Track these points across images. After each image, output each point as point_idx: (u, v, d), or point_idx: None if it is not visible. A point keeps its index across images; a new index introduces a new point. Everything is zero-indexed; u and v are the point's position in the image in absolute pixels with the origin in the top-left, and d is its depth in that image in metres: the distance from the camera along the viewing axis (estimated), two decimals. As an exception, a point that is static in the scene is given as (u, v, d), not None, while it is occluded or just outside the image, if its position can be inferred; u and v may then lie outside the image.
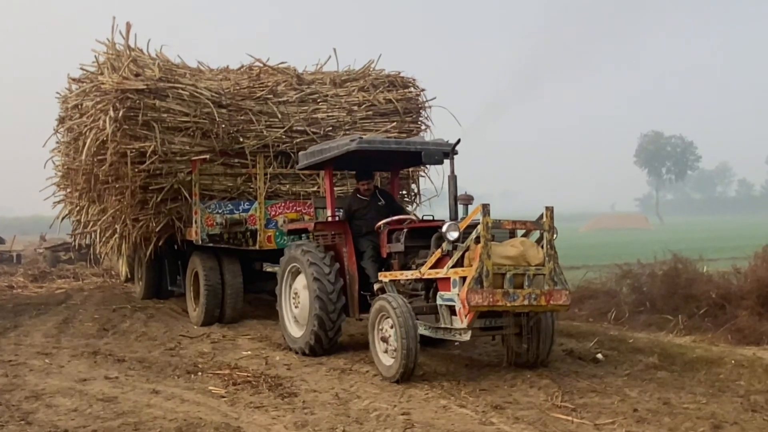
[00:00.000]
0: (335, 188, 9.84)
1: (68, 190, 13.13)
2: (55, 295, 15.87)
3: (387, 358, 7.08)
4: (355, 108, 11.62)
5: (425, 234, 7.77)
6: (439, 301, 7.03)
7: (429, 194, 12.75)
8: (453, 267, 6.79)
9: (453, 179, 7.87)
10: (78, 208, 12.65)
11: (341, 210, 9.13)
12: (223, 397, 6.74)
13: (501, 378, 7.13)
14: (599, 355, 8.28)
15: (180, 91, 10.27)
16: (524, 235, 7.36)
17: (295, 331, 8.78)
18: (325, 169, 9.13)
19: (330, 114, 11.35)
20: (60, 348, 9.37)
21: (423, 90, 12.54)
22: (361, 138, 8.12)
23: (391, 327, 6.88)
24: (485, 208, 6.63)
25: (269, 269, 10.73)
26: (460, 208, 7.69)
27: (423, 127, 12.40)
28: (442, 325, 7.07)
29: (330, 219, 8.91)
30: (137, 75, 10.11)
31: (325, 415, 5.98)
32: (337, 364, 8.05)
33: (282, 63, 12.25)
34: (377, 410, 6.11)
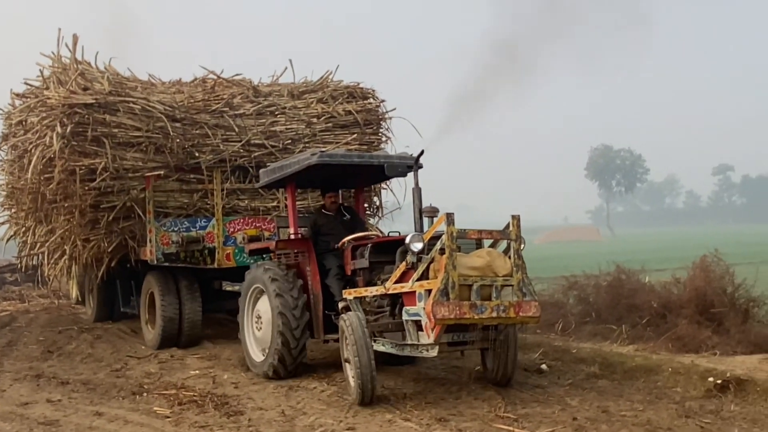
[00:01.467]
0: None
1: (13, 210, 12.37)
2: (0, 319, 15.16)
3: (351, 380, 6.74)
4: (315, 120, 11.22)
5: (390, 249, 7.39)
6: (404, 317, 6.71)
7: (391, 207, 12.38)
8: (418, 280, 6.45)
9: (417, 191, 7.54)
10: (24, 228, 11.92)
11: (304, 228, 8.77)
12: (168, 417, 6.61)
13: (447, 391, 7.20)
14: (543, 366, 8.44)
15: (131, 104, 9.75)
16: (491, 246, 7.03)
17: (258, 355, 8.37)
18: (286, 185, 8.71)
19: (289, 127, 10.93)
20: (2, 371, 9.10)
21: (383, 101, 12.20)
22: (323, 152, 7.79)
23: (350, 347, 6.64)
24: (449, 218, 6.32)
25: (228, 288, 10.29)
26: (426, 220, 7.38)
27: (384, 138, 12.04)
28: (409, 342, 6.74)
29: (293, 236, 8.51)
30: (85, 89, 9.56)
31: None
32: (285, 382, 7.91)
33: (237, 75, 11.81)
34: (322, 426, 6.13)
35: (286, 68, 12.29)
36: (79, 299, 15.31)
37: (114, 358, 9.88)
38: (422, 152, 7.62)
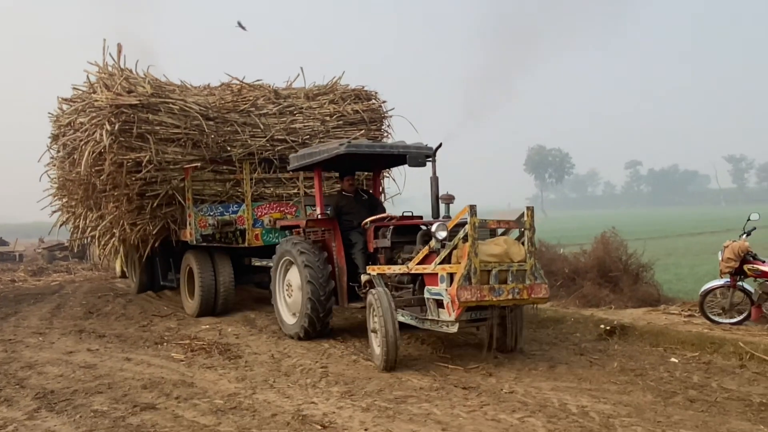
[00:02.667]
0: (312, 189, 9.40)
1: (65, 199, 12.11)
2: (50, 286, 15.77)
3: (377, 349, 6.58)
4: (327, 118, 11.00)
5: (408, 231, 7.36)
6: (426, 295, 6.54)
7: (392, 193, 12.21)
8: (441, 263, 6.30)
9: (435, 180, 7.44)
10: (75, 215, 11.70)
11: (329, 207, 8.62)
12: (182, 361, 7.25)
13: (403, 338, 7.27)
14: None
15: (171, 105, 9.50)
16: (503, 233, 6.89)
17: (290, 318, 8.29)
18: (314, 170, 8.50)
19: (306, 124, 10.71)
20: (52, 328, 9.65)
21: (384, 102, 11.98)
22: (350, 142, 7.62)
23: (377, 317, 6.46)
24: (472, 209, 6.15)
25: (257, 263, 10.17)
26: (442, 206, 7.29)
27: (385, 134, 11.84)
28: (429, 317, 6.56)
29: (320, 216, 8.36)
30: (130, 92, 9.30)
31: (261, 371, 6.71)
32: (276, 330, 8.70)
33: (257, 80, 11.52)
34: (302, 365, 6.84)
35: (298, 75, 12.04)
36: (123, 274, 15.15)
37: (141, 317, 10.34)
38: (440, 145, 7.52)
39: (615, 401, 5.32)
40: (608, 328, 7.77)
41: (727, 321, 7.72)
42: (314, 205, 8.86)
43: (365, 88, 11.92)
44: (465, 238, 6.16)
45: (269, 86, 11.36)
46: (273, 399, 5.67)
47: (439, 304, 6.36)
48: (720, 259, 7.74)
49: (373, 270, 7.22)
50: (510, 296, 6.16)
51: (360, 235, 7.94)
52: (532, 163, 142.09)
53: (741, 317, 7.69)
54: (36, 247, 29.35)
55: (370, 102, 11.79)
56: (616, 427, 4.67)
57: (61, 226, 12.63)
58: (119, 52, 9.63)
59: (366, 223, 7.79)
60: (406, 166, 8.45)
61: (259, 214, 10.06)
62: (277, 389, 5.99)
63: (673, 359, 6.73)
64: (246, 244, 9.86)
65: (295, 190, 10.65)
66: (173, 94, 9.79)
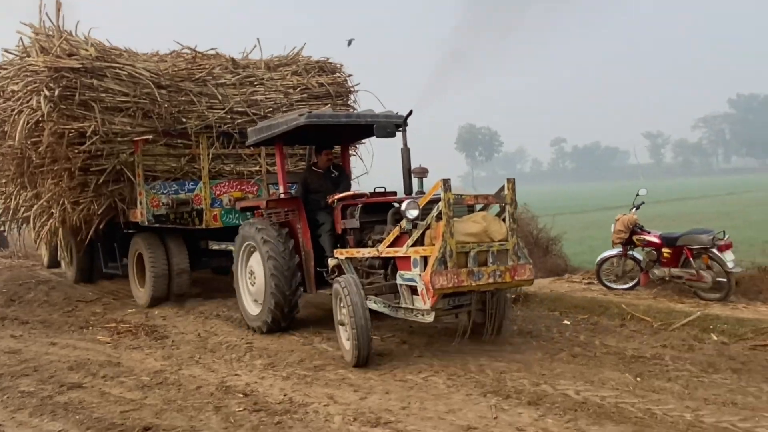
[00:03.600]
0: (272, 165, 8.67)
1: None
2: None
3: (346, 343, 5.90)
4: (291, 91, 10.19)
5: (379, 209, 6.56)
6: (398, 281, 5.83)
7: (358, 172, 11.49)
8: (413, 246, 5.61)
9: (406, 152, 6.67)
10: (6, 194, 10.52)
11: (294, 185, 7.85)
12: (108, 343, 7.35)
13: (324, 315, 7.40)
14: None
15: (118, 71, 8.57)
16: (482, 209, 6.19)
17: (253, 308, 7.50)
18: (275, 145, 7.68)
19: (268, 96, 9.88)
20: None
21: (350, 75, 11.24)
22: (310, 112, 6.79)
23: (344, 308, 5.76)
24: (446, 184, 5.42)
25: (215, 247, 9.33)
26: (415, 181, 6.59)
27: (351, 110, 11.10)
28: (403, 305, 5.88)
29: (282, 195, 7.54)
30: (71, 55, 8.32)
31: (187, 349, 6.89)
32: (203, 311, 8.78)
33: (211, 49, 10.60)
34: (228, 342, 7.07)
35: (255, 45, 11.12)
36: (52, 264, 13.88)
37: (65, 303, 10.04)
38: (410, 112, 6.73)
39: (509, 359, 5.90)
40: (513, 296, 7.95)
41: (621, 287, 8.71)
42: (277, 183, 8.02)
43: (330, 60, 11.18)
44: (439, 217, 5.47)
45: (226, 56, 10.46)
46: (198, 374, 5.93)
47: (414, 290, 5.68)
48: (612, 231, 8.73)
49: (340, 254, 6.54)
50: (491, 280, 5.52)
51: (328, 215, 7.17)
52: (462, 141, 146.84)
53: (632, 283, 8.68)
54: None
55: (335, 75, 11.03)
56: (506, 381, 5.26)
57: None
58: (58, 11, 8.58)
59: (333, 201, 7.02)
60: (374, 138, 7.78)
61: (218, 192, 9.23)
62: (203, 365, 6.25)
63: (566, 321, 7.38)
64: (203, 226, 9.03)
65: (257, 167, 9.81)
66: (120, 59, 8.83)
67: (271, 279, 6.80)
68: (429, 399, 4.89)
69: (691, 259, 7.87)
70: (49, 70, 8.01)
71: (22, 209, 10.02)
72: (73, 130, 8.08)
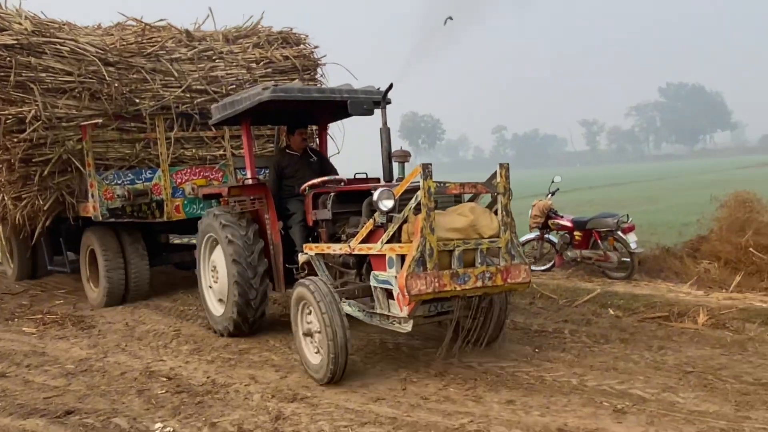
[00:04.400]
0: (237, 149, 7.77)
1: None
2: None
3: (314, 356, 5.04)
4: (254, 65, 9.33)
5: (357, 198, 5.60)
6: (373, 282, 4.94)
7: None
8: (389, 242, 4.73)
9: (386, 132, 5.82)
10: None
11: (264, 170, 7.01)
12: (34, 334, 7.32)
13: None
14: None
15: (59, 47, 7.61)
16: (471, 200, 5.31)
17: (217, 308, 6.68)
18: (241, 124, 6.70)
19: (229, 72, 9.01)
20: None
21: (316, 47, 10.37)
22: (276, 85, 5.80)
23: (312, 316, 4.95)
24: (426, 169, 4.51)
25: (176, 241, 8.42)
26: (396, 165, 5.86)
27: (320, 84, 10.29)
28: (378, 310, 5.02)
29: (249, 181, 6.62)
30: (2, 30, 7.32)
31: (114, 338, 6.92)
32: (133, 303, 8.49)
33: (160, 20, 9.60)
34: (155, 330, 7.11)
35: (208, 16, 10.16)
36: None
37: None
38: (390, 86, 5.87)
39: (424, 338, 6.12)
40: None
41: (539, 268, 9.09)
42: (244, 168, 7.10)
43: (293, 30, 10.32)
44: (418, 209, 4.61)
45: (178, 27, 9.51)
46: (123, 360, 6.03)
47: (390, 294, 4.81)
48: (529, 216, 9.17)
49: (310, 249, 5.71)
50: (479, 283, 4.65)
51: (300, 203, 6.29)
52: (405, 129, 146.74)
53: (549, 264, 9.26)
54: None
55: (301, 47, 10.15)
56: (419, 356, 5.59)
57: None
58: (-16, -23, 7.55)
59: (304, 189, 6.16)
60: (352, 117, 6.83)
61: (179, 180, 8.35)
62: (129, 352, 6.32)
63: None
64: (165, 218, 8.12)
65: (221, 151, 8.94)
66: (60, 33, 7.84)
67: (233, 265, 6.00)
68: (346, 375, 4.97)
69: (598, 241, 8.45)
70: (-22, 47, 7.03)
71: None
72: (10, 116, 7.14)
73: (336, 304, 4.72)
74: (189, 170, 8.49)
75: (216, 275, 6.59)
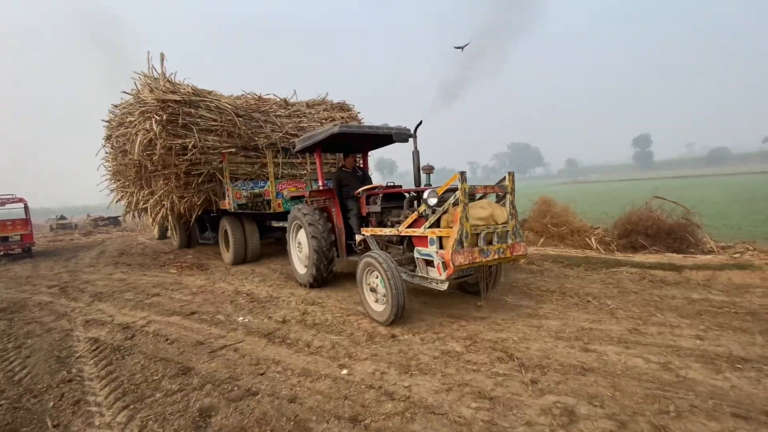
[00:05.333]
0: (314, 170, 7.01)
1: (119, 182, 9.00)
2: (96, 241, 13.92)
3: (378, 306, 4.38)
4: (323, 121, 8.64)
5: (394, 198, 5.21)
6: (416, 255, 4.34)
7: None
8: (430, 227, 4.16)
9: (416, 154, 5.13)
10: (129, 193, 8.67)
11: (330, 181, 6.31)
12: (176, 273, 7.12)
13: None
14: None
15: (208, 103, 6.89)
16: (481, 197, 4.60)
17: (301, 269, 5.94)
18: (314, 151, 6.01)
19: (309, 125, 8.30)
20: (98, 263, 8.85)
21: (359, 112, 9.72)
22: (343, 124, 5.19)
23: (376, 277, 4.27)
24: (463, 176, 3.97)
25: (276, 224, 7.71)
26: (423, 176, 5.08)
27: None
28: (419, 274, 4.36)
29: (321, 188, 6.00)
30: (173, 92, 6.60)
31: (219, 275, 6.67)
32: (250, 263, 7.71)
33: (268, 94, 8.92)
34: (242, 272, 6.77)
35: (294, 93, 9.51)
36: (162, 236, 12.04)
37: (153, 254, 9.48)
38: (420, 123, 5.22)
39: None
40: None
41: None
42: (317, 180, 6.42)
43: (346, 102, 9.67)
44: (455, 203, 4.08)
45: (278, 98, 8.83)
46: (223, 286, 5.93)
47: (428, 263, 4.24)
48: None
49: (366, 231, 5.07)
50: (496, 256, 4.08)
51: (355, 202, 5.67)
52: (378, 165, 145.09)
53: None
54: (85, 220, 25.11)
55: (350, 111, 9.51)
56: (309, 313, 4.72)
57: (117, 202, 9.50)
58: (162, 60, 6.84)
59: (359, 192, 5.55)
60: (384, 148, 6.22)
61: (279, 188, 7.66)
62: (227, 282, 6.20)
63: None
64: (272, 210, 7.45)
65: (305, 172, 8.24)
66: (209, 96, 7.13)
67: (313, 254, 5.38)
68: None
69: None
70: (159, 101, 6.34)
71: (141, 202, 8.22)
72: (177, 145, 6.43)
73: (398, 272, 4.05)
74: (286, 182, 7.77)
75: (301, 248, 5.89)
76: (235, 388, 2.91)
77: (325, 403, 2.66)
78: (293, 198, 6.70)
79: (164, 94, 6.36)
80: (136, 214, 8.86)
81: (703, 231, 6.81)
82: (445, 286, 4.10)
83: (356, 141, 6.14)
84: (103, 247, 11.65)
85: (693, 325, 3.64)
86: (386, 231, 4.76)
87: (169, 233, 10.87)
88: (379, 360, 3.25)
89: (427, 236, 4.15)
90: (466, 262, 3.86)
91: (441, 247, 4.02)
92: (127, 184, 8.54)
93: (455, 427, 2.35)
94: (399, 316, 4.06)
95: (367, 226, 5.34)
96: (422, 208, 4.23)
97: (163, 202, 7.35)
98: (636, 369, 2.90)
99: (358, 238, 5.33)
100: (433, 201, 4.08)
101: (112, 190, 9.44)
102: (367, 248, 5.13)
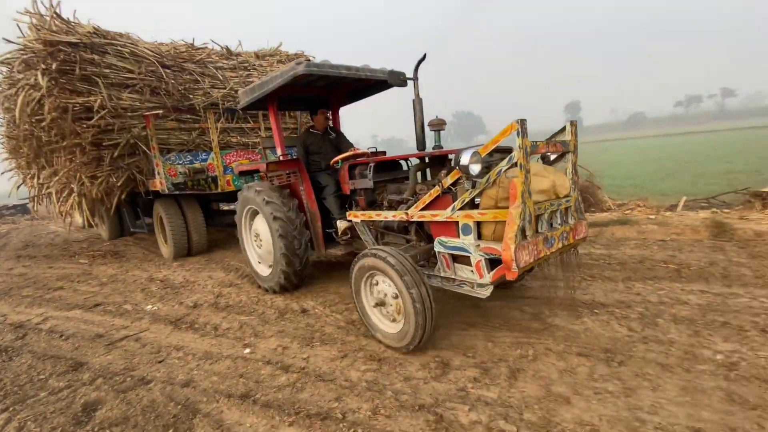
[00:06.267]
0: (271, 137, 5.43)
1: (17, 161, 7.03)
2: None
3: (392, 325, 2.94)
4: (279, 75, 7.05)
5: (386, 168, 3.80)
6: (438, 248, 2.86)
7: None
8: (461, 209, 2.71)
9: (419, 102, 3.58)
10: (31, 175, 6.76)
11: (292, 149, 4.84)
12: (86, 263, 6.42)
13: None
14: None
15: (120, 48, 5.13)
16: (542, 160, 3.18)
17: (264, 269, 4.40)
18: (269, 106, 4.26)
19: (260, 79, 6.69)
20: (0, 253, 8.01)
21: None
22: (309, 63, 3.43)
23: (389, 286, 2.86)
24: (523, 126, 2.42)
25: (225, 207, 6.16)
26: (431, 135, 3.69)
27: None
28: (442, 274, 2.90)
29: (281, 158, 4.36)
30: (67, 32, 4.80)
31: (135, 262, 6.13)
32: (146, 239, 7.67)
33: (204, 44, 7.13)
34: (161, 257, 6.29)
35: (239, 44, 7.78)
36: (89, 225, 10.01)
37: (65, 244, 8.38)
38: (424, 56, 3.66)
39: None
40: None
41: None
42: (274, 147, 4.69)
43: (304, 53, 8.04)
44: (509, 169, 2.63)
45: (220, 45, 7.08)
46: (137, 274, 5.47)
47: (455, 258, 2.86)
48: None
49: (354, 216, 3.61)
50: (560, 244, 2.72)
51: (330, 176, 4.16)
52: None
53: None
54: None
55: (310, 65, 7.93)
56: (224, 295, 4.38)
57: (18, 188, 7.52)
58: (47, -12, 4.93)
59: (336, 162, 4.07)
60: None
61: (228, 161, 6.11)
62: (142, 269, 5.70)
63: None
64: (219, 190, 5.93)
65: (258, 139, 6.66)
66: (120, 39, 5.34)
67: (279, 240, 3.89)
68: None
69: None
70: (45, 44, 4.54)
71: (45, 186, 6.40)
72: (77, 105, 4.71)
73: (422, 277, 2.69)
74: (235, 153, 6.23)
75: (260, 242, 4.34)
76: (128, 379, 2.85)
77: (220, 384, 2.70)
78: (244, 174, 5.09)
79: (53, 34, 4.56)
80: (42, 200, 6.99)
81: (603, 192, 7.43)
82: (487, 293, 2.72)
83: (326, 91, 4.58)
84: (7, 240, 10.09)
85: (569, 277, 3.84)
86: (387, 215, 3.25)
87: (96, 221, 8.96)
88: (284, 336, 3.27)
89: (456, 222, 2.75)
90: (532, 260, 2.51)
91: (479, 236, 2.74)
92: (25, 162, 6.62)
93: (340, 390, 2.51)
94: (427, 338, 2.72)
95: (350, 207, 3.93)
96: (450, 178, 2.73)
97: (71, 185, 5.63)
98: (512, 320, 3.19)
99: (340, 225, 3.91)
100: (476, 169, 2.56)
101: (13, 172, 7.44)
102: (352, 238, 3.86)
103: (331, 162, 4.11)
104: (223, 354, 3.03)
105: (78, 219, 10.38)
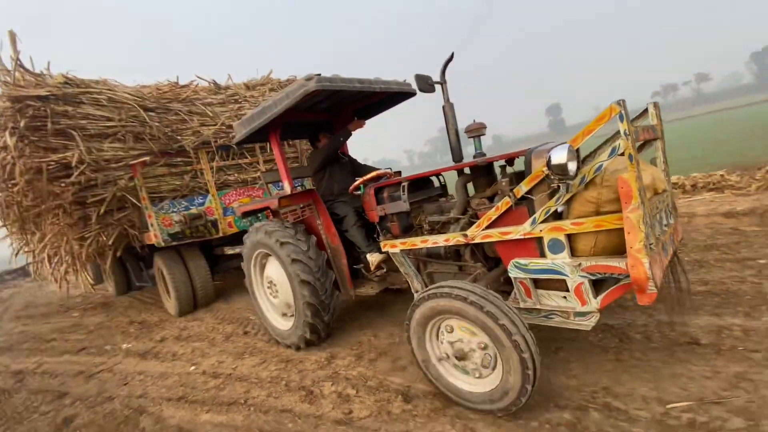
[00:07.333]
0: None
1: (9, 227, 6.59)
2: (1, 299, 11.83)
3: (478, 383, 2.22)
4: (272, 104, 6.56)
5: (418, 187, 3.21)
6: (516, 274, 2.21)
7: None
8: (543, 221, 2.08)
9: (450, 107, 2.89)
10: (24, 241, 6.30)
11: (299, 181, 4.29)
12: (78, 316, 6.64)
13: None
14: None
15: (95, 96, 4.68)
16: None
17: (282, 323, 3.69)
18: (270, 134, 3.59)
19: (260, 106, 6.21)
20: (1, 320, 7.84)
21: (314, 89, 7.68)
22: (321, 77, 2.84)
23: (465, 332, 2.18)
24: (625, 108, 1.74)
25: (230, 252, 5.65)
26: (469, 141, 2.98)
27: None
28: (521, 305, 2.27)
29: (291, 191, 3.68)
30: (36, 85, 4.37)
31: (121, 309, 6.53)
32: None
33: (190, 81, 6.69)
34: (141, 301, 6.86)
35: (228, 77, 7.36)
36: (93, 283, 9.51)
37: (60, 301, 8.68)
38: (452, 56, 2.96)
39: None
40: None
41: None
42: (279, 181, 4.07)
43: (296, 77, 7.60)
44: (612, 160, 1.94)
45: (207, 79, 6.64)
46: (121, 319, 5.68)
47: (536, 283, 2.23)
48: None
49: (393, 246, 2.90)
50: (671, 249, 2.11)
51: (346, 205, 3.53)
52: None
53: None
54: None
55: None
56: (187, 329, 4.79)
57: (16, 255, 7.04)
58: (12, 39, 4.51)
59: (356, 187, 3.39)
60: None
61: (227, 201, 5.57)
62: (125, 315, 5.92)
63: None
64: (221, 234, 5.39)
65: (258, 174, 6.13)
66: (95, 86, 4.90)
67: (301, 286, 3.23)
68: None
69: None
70: (12, 101, 4.08)
71: (36, 252, 5.92)
72: (52, 162, 4.23)
73: (521, 320, 2.04)
74: (234, 192, 5.69)
75: (274, 291, 3.63)
76: (99, 399, 3.44)
77: (166, 393, 3.31)
78: (247, 214, 4.45)
79: (18, 89, 4.12)
80: (37, 266, 6.52)
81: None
82: (592, 323, 2.09)
83: (329, 113, 4.00)
84: (9, 303, 10.31)
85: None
86: (440, 239, 2.59)
87: (104, 277, 8.50)
88: (224, 354, 3.79)
89: (538, 238, 2.14)
90: (661, 274, 1.88)
91: (572, 253, 2.08)
92: (15, 229, 6.17)
93: (249, 386, 3.13)
94: (534, 388, 2.05)
95: (377, 237, 3.27)
96: (524, 185, 2.13)
97: (60, 249, 5.12)
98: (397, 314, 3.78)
99: (372, 258, 3.25)
100: (573, 166, 1.95)
101: (12, 238, 7.00)
102: (387, 272, 3.26)
103: (351, 188, 3.45)
104: (174, 372, 3.67)
105: (81, 281, 9.98)
